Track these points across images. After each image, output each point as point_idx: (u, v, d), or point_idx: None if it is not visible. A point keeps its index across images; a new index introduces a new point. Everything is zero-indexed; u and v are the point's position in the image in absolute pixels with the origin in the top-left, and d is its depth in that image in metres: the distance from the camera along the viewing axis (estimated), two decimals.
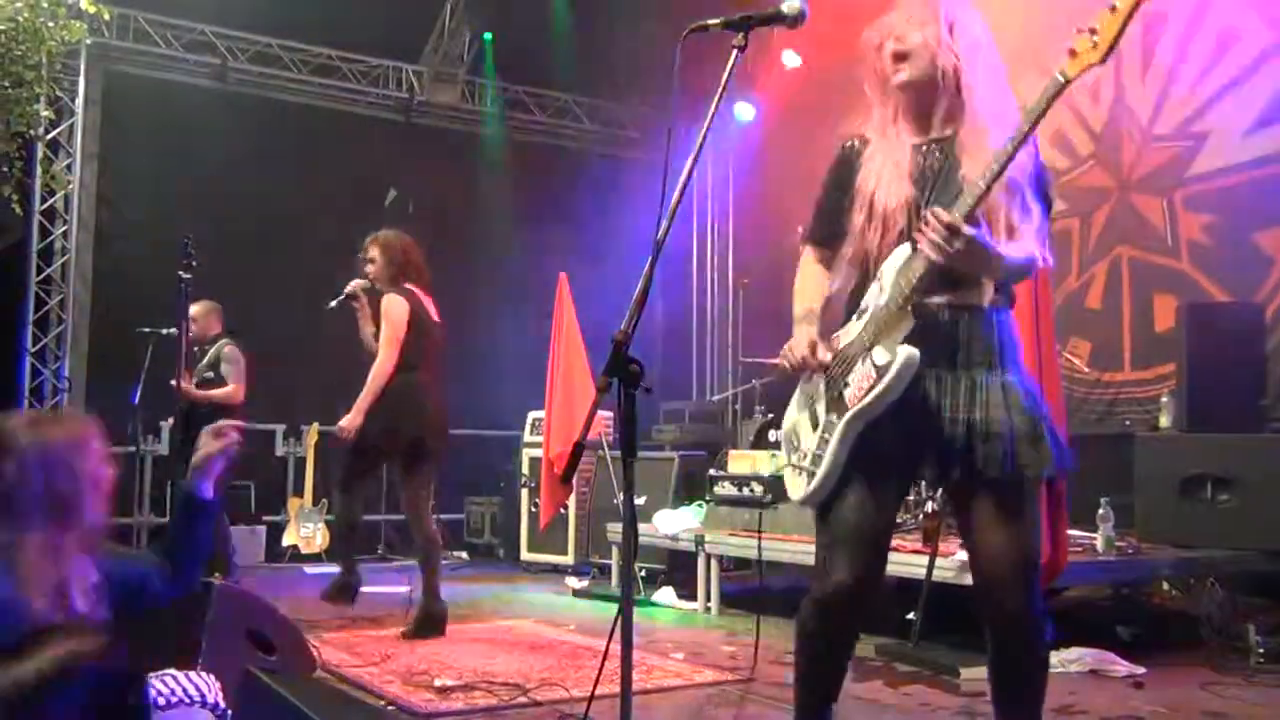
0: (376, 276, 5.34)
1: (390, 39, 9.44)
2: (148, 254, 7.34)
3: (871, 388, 2.33)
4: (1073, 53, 2.13)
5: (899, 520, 4.58)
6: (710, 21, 2.27)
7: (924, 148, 2.44)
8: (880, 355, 2.34)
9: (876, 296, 2.40)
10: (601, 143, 10.51)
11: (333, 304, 5.51)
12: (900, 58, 2.41)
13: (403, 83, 9.71)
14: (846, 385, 2.40)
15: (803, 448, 2.50)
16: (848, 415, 2.36)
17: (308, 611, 5.29)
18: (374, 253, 5.34)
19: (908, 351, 2.29)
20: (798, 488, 2.49)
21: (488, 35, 9.45)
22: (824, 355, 2.45)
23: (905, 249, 2.35)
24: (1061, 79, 2.14)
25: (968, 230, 2.17)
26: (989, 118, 2.34)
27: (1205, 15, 6.44)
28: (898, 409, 2.33)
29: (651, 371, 2.05)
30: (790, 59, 8.60)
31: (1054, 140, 7.16)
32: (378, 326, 5.26)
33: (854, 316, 2.48)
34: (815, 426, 2.48)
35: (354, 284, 5.41)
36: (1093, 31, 2.11)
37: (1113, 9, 2.08)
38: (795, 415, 2.59)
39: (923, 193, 2.39)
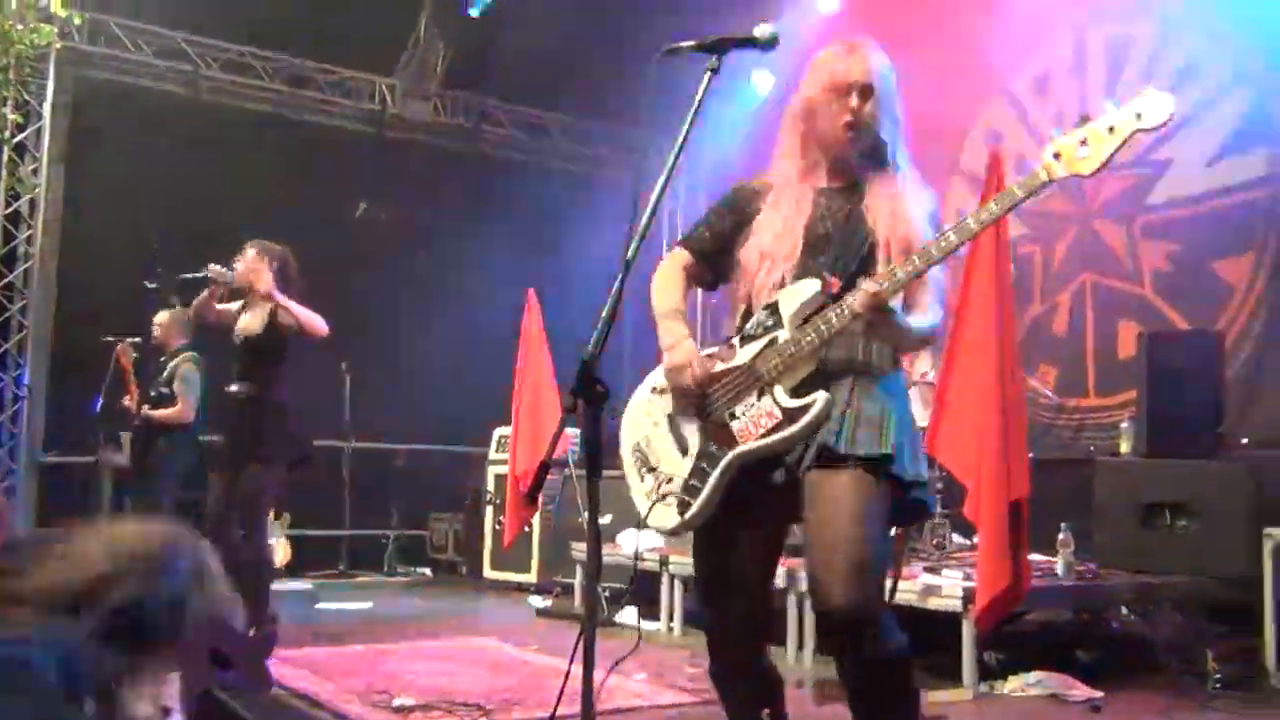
0: (263, 283, 5.05)
1: (364, 51, 9.42)
2: (114, 261, 7.25)
3: (776, 429, 2.28)
4: (1058, 155, 2.13)
5: None
6: (684, 44, 2.28)
7: (829, 192, 2.44)
8: (784, 396, 2.29)
9: (771, 329, 2.35)
10: (573, 160, 10.52)
11: (188, 275, 5.26)
12: (852, 127, 2.39)
13: (375, 95, 9.68)
14: (734, 417, 2.33)
15: (665, 471, 2.40)
16: (739, 450, 2.30)
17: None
18: (251, 253, 5.09)
19: (825, 398, 2.26)
20: (665, 517, 2.38)
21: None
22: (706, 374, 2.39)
23: (813, 285, 2.32)
24: (1044, 177, 2.15)
25: (889, 304, 2.19)
26: (901, 179, 2.41)
27: (1168, 45, 6.56)
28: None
29: (619, 390, 2.05)
30: (762, 81, 8.66)
31: (1016, 165, 7.23)
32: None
33: (738, 342, 2.41)
34: (685, 452, 2.39)
35: (220, 270, 5.08)
36: (1083, 143, 2.11)
37: (1110, 129, 2.09)
38: (647, 431, 2.48)
39: (823, 236, 2.38)
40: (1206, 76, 6.32)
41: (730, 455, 2.31)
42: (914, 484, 2.30)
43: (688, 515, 2.33)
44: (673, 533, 2.41)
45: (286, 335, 4.97)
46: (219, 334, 5.58)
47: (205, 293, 5.19)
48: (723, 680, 2.44)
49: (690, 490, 2.34)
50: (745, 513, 2.34)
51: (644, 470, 2.45)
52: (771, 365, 2.32)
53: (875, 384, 2.34)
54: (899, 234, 2.32)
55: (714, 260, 2.54)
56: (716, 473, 2.31)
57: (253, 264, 5.02)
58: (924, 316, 2.35)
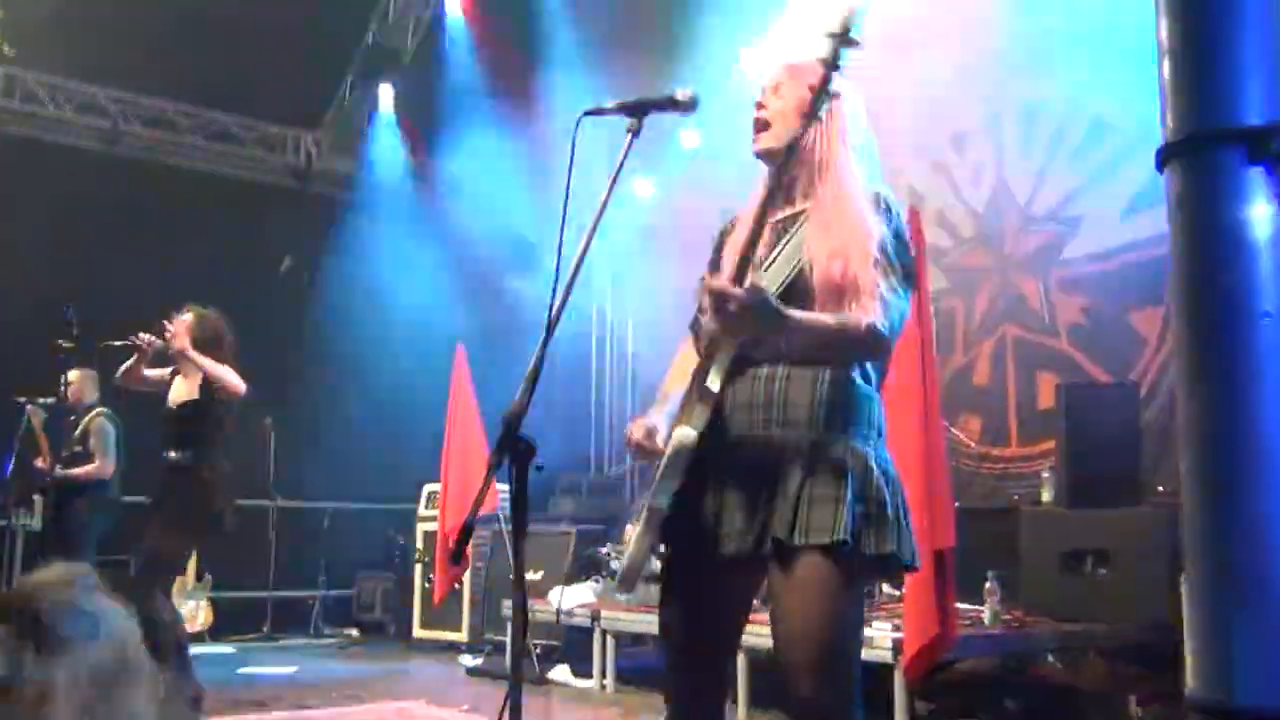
0: (179, 340, 4.97)
1: (289, 105, 9.38)
2: (29, 321, 7.07)
3: (658, 469, 2.22)
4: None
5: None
6: (606, 105, 2.30)
7: (781, 224, 2.31)
8: (675, 435, 2.23)
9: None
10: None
11: (115, 343, 5.17)
12: (761, 126, 2.35)
13: (300, 150, 9.63)
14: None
15: (626, 539, 2.43)
16: (648, 502, 2.22)
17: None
18: (187, 317, 5.04)
19: (679, 433, 2.18)
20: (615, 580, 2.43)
21: None
22: (658, 442, 2.30)
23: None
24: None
25: (736, 292, 2.01)
26: (837, 195, 2.23)
27: (1078, 105, 6.79)
28: (711, 486, 2.22)
29: (549, 445, 2.04)
30: (689, 139, 8.79)
31: (937, 220, 7.43)
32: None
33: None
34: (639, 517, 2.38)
35: (148, 339, 5.02)
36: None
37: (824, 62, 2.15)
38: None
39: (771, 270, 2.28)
40: (1116, 134, 6.54)
41: (644, 511, 2.26)
42: (881, 559, 2.15)
43: (619, 574, 2.34)
44: (618, 591, 2.38)
45: (221, 401, 4.92)
46: (138, 394, 5.47)
47: (132, 359, 5.11)
48: None
49: (623, 554, 2.35)
50: (714, 575, 2.26)
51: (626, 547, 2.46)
52: (683, 409, 2.28)
53: (832, 447, 2.16)
54: (833, 274, 2.17)
55: None
56: (639, 530, 2.27)
57: (179, 324, 4.96)
58: (850, 314, 2.13)
